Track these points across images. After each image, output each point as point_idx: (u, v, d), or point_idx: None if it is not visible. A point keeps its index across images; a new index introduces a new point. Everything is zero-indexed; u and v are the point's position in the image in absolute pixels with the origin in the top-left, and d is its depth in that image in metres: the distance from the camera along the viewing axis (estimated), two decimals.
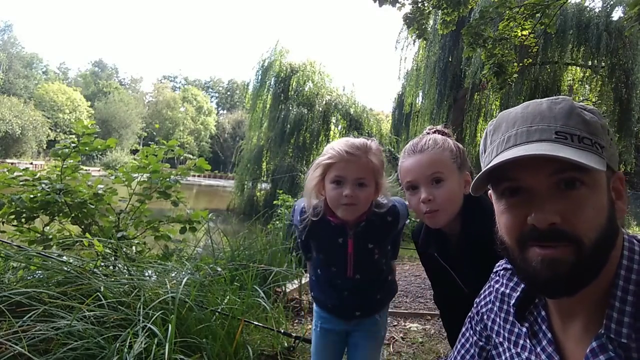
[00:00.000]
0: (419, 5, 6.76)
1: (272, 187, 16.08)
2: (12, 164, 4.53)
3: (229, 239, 3.68)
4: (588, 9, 12.32)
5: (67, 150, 3.03)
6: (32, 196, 2.85)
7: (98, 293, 1.81)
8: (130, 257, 2.59)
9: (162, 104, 58.34)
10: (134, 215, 3.25)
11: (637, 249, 0.64)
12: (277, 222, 5.04)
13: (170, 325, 1.65)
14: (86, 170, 3.40)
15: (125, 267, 2.29)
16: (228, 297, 2.24)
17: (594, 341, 0.63)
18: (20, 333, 1.49)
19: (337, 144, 1.37)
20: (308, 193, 1.41)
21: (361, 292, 1.52)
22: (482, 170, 0.65)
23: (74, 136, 3.16)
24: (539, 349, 0.72)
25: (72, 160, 3.11)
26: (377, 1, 6.06)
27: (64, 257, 2.28)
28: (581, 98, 15.61)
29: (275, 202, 7.05)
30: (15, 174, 2.99)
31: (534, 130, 0.63)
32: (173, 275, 2.40)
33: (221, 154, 58.24)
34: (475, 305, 0.90)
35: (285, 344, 2.40)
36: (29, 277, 2.04)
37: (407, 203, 1.37)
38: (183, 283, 2.00)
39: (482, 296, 0.89)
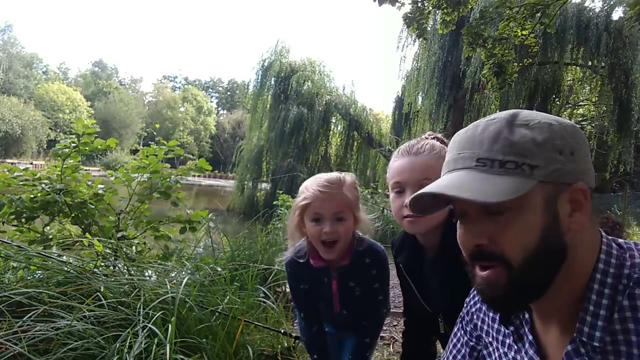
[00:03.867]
0: (419, 4, 6.77)
1: (272, 187, 16.09)
2: (12, 164, 4.51)
3: (229, 239, 3.68)
4: (588, 9, 12.32)
5: (67, 150, 3.03)
6: (32, 196, 2.85)
7: (98, 293, 1.81)
8: (130, 257, 2.59)
9: (162, 104, 58.32)
10: (134, 215, 3.25)
11: (615, 253, 0.64)
12: (277, 222, 5.05)
13: (170, 326, 1.65)
14: (86, 170, 3.40)
15: (125, 267, 2.29)
16: (228, 297, 2.24)
17: (569, 345, 0.64)
18: (20, 333, 1.49)
19: (310, 183, 1.41)
20: (291, 234, 1.47)
21: (348, 325, 1.60)
22: (414, 195, 0.68)
23: (74, 136, 3.16)
24: (523, 351, 0.73)
25: (72, 160, 3.11)
26: (377, 0, 6.06)
27: (64, 257, 2.28)
28: (581, 98, 15.64)
29: (275, 202, 7.06)
30: (16, 174, 2.99)
31: (460, 157, 0.65)
32: (173, 275, 2.40)
33: (221, 154, 58.21)
34: (465, 305, 0.91)
35: (285, 344, 2.40)
36: (29, 277, 2.04)
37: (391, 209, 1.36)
38: (183, 283, 2.00)
39: (471, 296, 0.90)
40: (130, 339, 1.58)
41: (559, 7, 6.14)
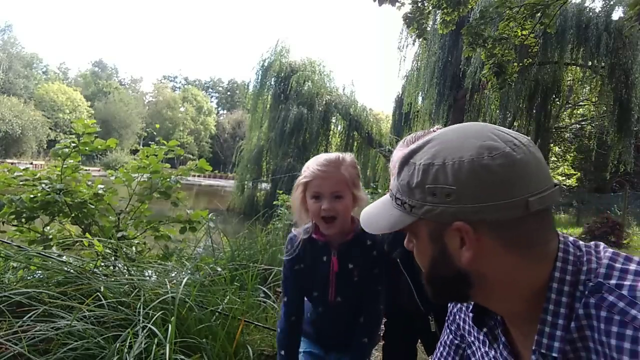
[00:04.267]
0: (419, 4, 6.77)
1: (272, 187, 16.11)
2: (12, 164, 4.52)
3: (229, 239, 3.68)
4: (588, 9, 12.33)
5: (67, 150, 3.03)
6: (32, 196, 2.85)
7: (98, 293, 1.81)
8: (130, 257, 2.59)
9: (162, 104, 58.33)
10: (134, 215, 3.25)
11: (572, 259, 0.63)
12: (277, 222, 5.04)
13: (170, 326, 1.65)
14: (86, 170, 3.40)
15: (125, 267, 2.29)
16: (228, 297, 2.24)
17: (532, 355, 0.65)
18: (20, 333, 1.49)
19: (311, 163, 1.47)
20: (296, 212, 1.51)
21: (342, 321, 1.55)
22: None
23: (74, 136, 3.16)
24: (499, 352, 0.74)
25: (72, 160, 3.11)
26: (377, 0, 6.06)
27: (64, 257, 2.28)
28: (581, 98, 15.64)
29: (275, 202, 7.05)
30: (16, 174, 2.99)
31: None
32: (173, 275, 2.40)
33: (221, 154, 58.21)
34: (449, 305, 0.92)
35: None
36: (29, 277, 2.04)
37: None
38: (183, 283, 2.00)
39: None
40: (130, 339, 1.58)
41: (559, 7, 6.14)
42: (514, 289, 0.64)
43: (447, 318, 0.93)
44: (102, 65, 67.42)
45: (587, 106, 15.86)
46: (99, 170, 22.88)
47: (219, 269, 2.64)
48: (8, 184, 2.90)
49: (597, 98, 13.90)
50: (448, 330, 0.92)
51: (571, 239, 0.67)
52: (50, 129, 41.85)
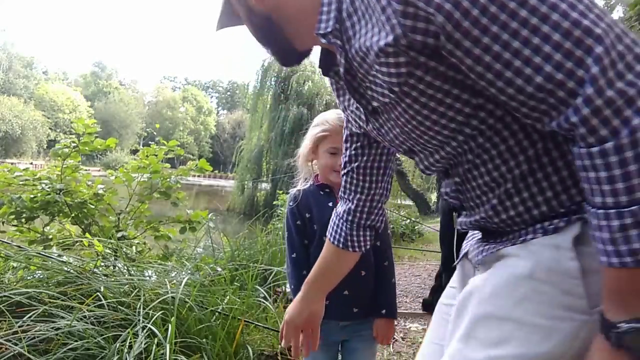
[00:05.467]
0: None
1: (272, 187, 16.09)
2: (12, 164, 4.52)
3: (229, 239, 3.68)
4: None
5: (67, 150, 3.03)
6: (32, 196, 2.85)
7: (98, 293, 1.81)
8: (130, 257, 2.60)
9: (162, 104, 58.38)
10: (134, 215, 3.25)
11: None
12: (277, 222, 5.04)
13: (170, 326, 1.65)
14: (86, 170, 3.40)
15: (125, 267, 2.29)
16: (228, 297, 2.24)
17: (323, 39, 0.73)
18: (20, 333, 1.49)
19: (329, 117, 1.49)
20: (303, 160, 1.57)
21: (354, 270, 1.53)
22: None
23: (74, 136, 3.16)
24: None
25: (72, 160, 3.12)
26: None
27: (64, 257, 2.28)
28: None
29: (275, 202, 7.05)
30: (16, 174, 2.99)
31: None
32: (173, 275, 2.40)
33: (221, 154, 58.20)
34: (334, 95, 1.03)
35: None
36: (29, 277, 2.04)
37: None
38: (183, 283, 2.00)
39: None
40: (130, 339, 1.58)
41: None
42: (300, 7, 0.73)
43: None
44: (102, 66, 67.45)
45: None
46: (99, 170, 22.84)
47: (219, 269, 2.64)
48: (8, 184, 2.90)
49: None
50: (347, 128, 1.04)
51: None
52: (50, 129, 41.90)
